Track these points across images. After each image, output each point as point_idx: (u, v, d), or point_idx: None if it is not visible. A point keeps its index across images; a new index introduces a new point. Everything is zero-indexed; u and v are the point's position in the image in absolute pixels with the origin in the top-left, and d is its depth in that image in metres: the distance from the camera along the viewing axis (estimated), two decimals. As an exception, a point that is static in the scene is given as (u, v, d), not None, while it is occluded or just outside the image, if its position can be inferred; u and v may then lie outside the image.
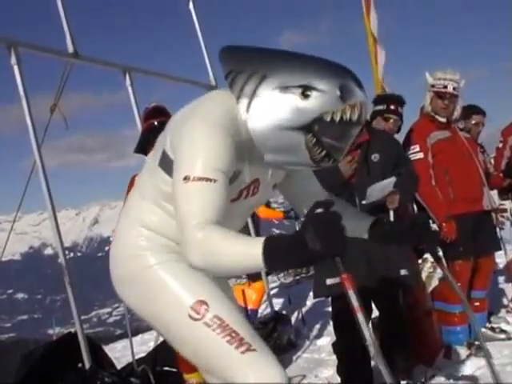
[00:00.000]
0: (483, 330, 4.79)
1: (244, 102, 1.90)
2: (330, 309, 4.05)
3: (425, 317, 4.28)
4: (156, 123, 3.99)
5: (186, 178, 1.81)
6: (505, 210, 5.52)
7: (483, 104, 5.91)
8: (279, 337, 5.19)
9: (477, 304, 4.77)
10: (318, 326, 5.90)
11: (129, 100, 5.36)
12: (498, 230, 5.24)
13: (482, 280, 4.73)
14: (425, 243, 2.50)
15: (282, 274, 9.27)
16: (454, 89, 4.43)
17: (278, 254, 1.70)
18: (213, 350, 1.96)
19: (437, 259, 2.67)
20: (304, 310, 6.63)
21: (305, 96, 1.85)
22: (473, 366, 4.12)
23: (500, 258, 6.22)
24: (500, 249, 5.33)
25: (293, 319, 6.20)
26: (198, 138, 1.86)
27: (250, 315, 5.36)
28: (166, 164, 2.00)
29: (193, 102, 2.07)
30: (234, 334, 1.94)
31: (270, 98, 1.88)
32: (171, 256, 2.07)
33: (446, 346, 4.40)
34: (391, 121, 4.36)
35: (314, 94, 1.84)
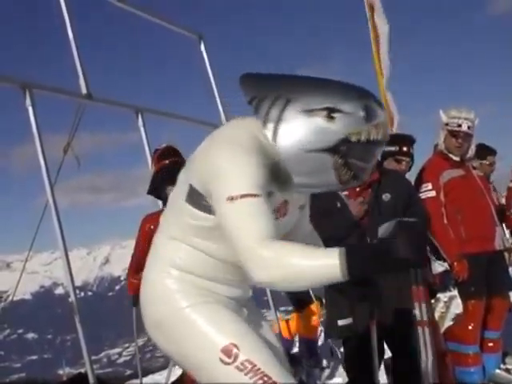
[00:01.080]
0: (498, 371, 4.72)
1: (271, 126, 1.91)
2: (342, 349, 4.00)
3: (439, 357, 4.22)
4: (167, 162, 4.03)
5: (230, 199, 1.80)
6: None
7: (493, 141, 5.93)
8: (291, 378, 5.11)
9: (490, 344, 4.71)
10: (329, 367, 5.82)
11: (140, 140, 5.42)
12: (510, 269, 5.19)
13: (495, 320, 4.68)
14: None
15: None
16: (468, 128, 4.43)
17: (358, 263, 1.69)
18: None
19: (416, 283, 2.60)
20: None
21: (330, 118, 1.87)
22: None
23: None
24: (513, 289, 5.27)
25: (304, 360, 6.12)
26: (228, 159, 1.87)
27: (310, 345, 5.21)
28: (195, 198, 2.00)
29: (212, 133, 2.10)
30: (266, 378, 1.92)
31: (296, 121, 1.89)
32: (202, 297, 2.06)
33: None
34: (403, 163, 4.36)
35: (338, 115, 1.87)
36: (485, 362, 4.61)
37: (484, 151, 5.40)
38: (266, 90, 1.98)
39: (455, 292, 4.28)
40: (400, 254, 1.66)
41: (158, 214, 4.19)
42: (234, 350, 1.95)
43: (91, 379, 3.93)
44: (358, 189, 3.60)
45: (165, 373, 6.19)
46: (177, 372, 5.69)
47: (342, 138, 1.88)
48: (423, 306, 1.85)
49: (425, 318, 1.84)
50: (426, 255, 1.71)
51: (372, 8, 6.93)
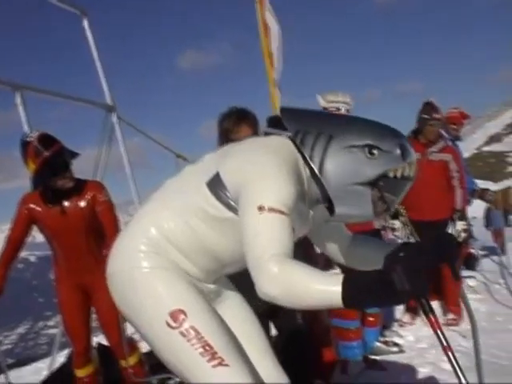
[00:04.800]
0: (377, 344, 4.96)
1: (317, 160, 2.05)
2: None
3: (323, 333, 4.37)
4: (48, 154, 3.81)
5: (260, 208, 1.85)
6: (394, 229, 5.79)
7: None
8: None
9: (371, 319, 4.93)
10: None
11: (20, 119, 5.20)
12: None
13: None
14: (448, 262, 2.52)
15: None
16: (347, 111, 4.56)
17: (358, 293, 1.72)
18: (185, 361, 1.98)
19: (456, 277, 2.66)
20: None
21: (371, 154, 2.03)
22: (368, 379, 4.24)
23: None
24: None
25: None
26: (272, 169, 1.94)
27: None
28: (217, 187, 2.05)
29: (259, 140, 2.23)
30: (207, 347, 1.97)
31: (341, 156, 2.04)
32: (164, 264, 2.07)
33: (342, 360, 4.51)
34: None
35: (378, 152, 2.03)
36: (365, 335, 4.83)
37: None
38: (309, 125, 2.12)
39: (338, 270, 4.42)
40: (398, 286, 1.68)
41: (38, 193, 4.05)
42: (181, 316, 1.99)
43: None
44: None
45: (47, 360, 6.05)
46: (59, 360, 5.58)
47: (381, 173, 2.03)
48: (440, 333, 1.91)
49: (446, 344, 1.91)
50: (427, 284, 1.74)
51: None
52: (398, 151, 2.03)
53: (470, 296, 6.30)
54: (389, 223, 5.83)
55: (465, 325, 5.65)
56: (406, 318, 5.82)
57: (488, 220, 13.39)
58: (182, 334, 1.98)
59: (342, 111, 4.53)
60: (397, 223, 5.88)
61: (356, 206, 2.07)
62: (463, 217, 5.88)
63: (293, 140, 2.11)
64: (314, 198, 2.16)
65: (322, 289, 1.74)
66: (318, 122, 2.15)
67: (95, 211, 4.12)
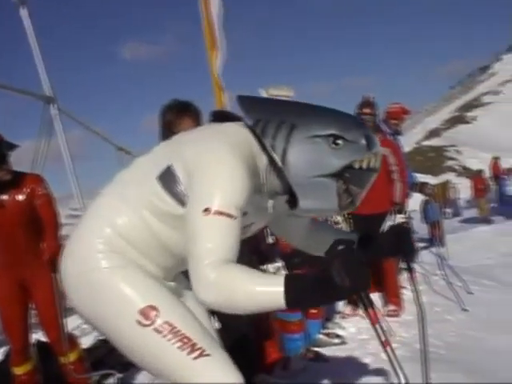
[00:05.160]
0: (319, 335, 5.01)
1: (279, 151, 1.96)
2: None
3: (266, 328, 4.37)
4: None
5: (206, 210, 1.78)
6: (337, 223, 5.89)
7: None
8: (121, 353, 5.07)
9: (313, 311, 4.96)
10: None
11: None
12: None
13: None
14: (402, 254, 2.51)
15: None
16: (270, 98, 4.55)
17: (301, 292, 1.69)
18: (164, 358, 1.90)
19: (410, 270, 2.67)
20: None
21: (336, 144, 1.96)
22: (311, 372, 4.28)
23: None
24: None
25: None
26: (223, 165, 1.85)
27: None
28: (169, 181, 1.96)
29: (213, 127, 2.11)
30: (185, 340, 1.90)
31: (304, 147, 1.96)
32: (123, 262, 1.98)
33: (284, 356, 4.52)
34: None
35: (343, 142, 1.96)
36: (308, 327, 4.87)
37: None
38: (271, 114, 2.02)
39: (280, 263, 4.44)
40: (338, 282, 1.67)
41: None
42: (153, 313, 1.91)
43: None
44: None
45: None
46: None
47: (347, 164, 1.96)
48: (378, 327, 1.90)
49: (384, 338, 1.89)
50: (366, 278, 1.73)
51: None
52: (364, 141, 1.98)
53: (410, 288, 6.43)
54: (331, 217, 5.90)
55: (405, 315, 5.77)
56: (348, 309, 5.90)
57: (425, 213, 13.76)
58: (156, 330, 1.90)
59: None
60: (339, 217, 5.95)
61: (320, 199, 2.00)
62: (402, 210, 5.99)
63: (252, 129, 2.03)
64: (273, 189, 2.09)
65: (264, 291, 1.71)
66: (279, 110, 2.06)
67: (34, 205, 4.02)
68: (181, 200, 1.95)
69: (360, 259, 1.73)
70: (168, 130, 3.34)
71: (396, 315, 5.79)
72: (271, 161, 2.01)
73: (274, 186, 2.08)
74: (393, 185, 5.91)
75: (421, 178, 10.56)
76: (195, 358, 1.88)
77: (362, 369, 4.18)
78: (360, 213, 5.65)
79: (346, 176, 1.99)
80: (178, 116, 3.36)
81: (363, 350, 4.74)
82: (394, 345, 4.54)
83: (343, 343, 5.01)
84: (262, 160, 2.02)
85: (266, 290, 1.71)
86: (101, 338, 5.31)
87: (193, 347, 1.89)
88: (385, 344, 1.90)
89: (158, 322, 1.90)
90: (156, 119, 3.48)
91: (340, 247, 1.77)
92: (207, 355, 1.90)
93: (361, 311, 5.78)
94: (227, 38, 6.84)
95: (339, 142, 1.96)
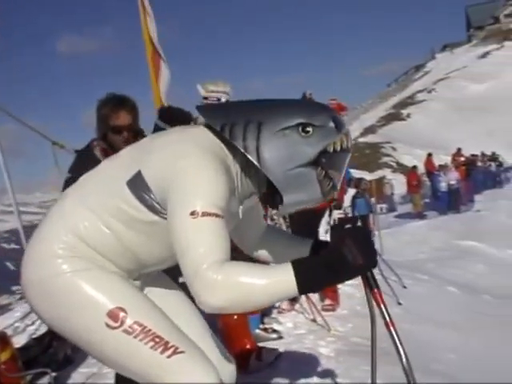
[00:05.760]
0: (257, 331, 5.03)
1: (252, 151, 1.92)
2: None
3: (238, 322, 4.33)
4: None
5: (193, 214, 1.74)
6: (273, 218, 5.92)
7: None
8: (55, 352, 4.98)
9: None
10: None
11: None
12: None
13: None
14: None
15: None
16: (227, 101, 4.57)
17: (312, 276, 1.69)
18: (137, 360, 1.85)
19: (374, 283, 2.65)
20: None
21: (305, 132, 1.94)
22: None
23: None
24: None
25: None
26: (199, 170, 1.82)
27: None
28: (139, 187, 1.91)
29: (178, 132, 2.07)
30: (157, 339, 1.85)
31: (275, 142, 1.93)
32: (86, 265, 1.92)
33: (258, 347, 4.44)
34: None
35: (312, 129, 1.94)
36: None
37: None
38: (234, 117, 1.98)
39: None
40: (351, 260, 1.68)
41: None
42: (121, 314, 1.86)
43: None
44: None
45: None
46: None
47: (321, 149, 1.95)
48: (383, 308, 1.89)
49: (389, 319, 1.89)
50: (376, 255, 1.75)
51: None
52: (332, 124, 1.97)
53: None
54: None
55: (340, 310, 5.87)
56: (285, 304, 5.93)
57: (354, 207, 14.03)
58: (126, 331, 1.85)
59: (223, 101, 4.54)
60: (274, 212, 5.99)
61: (303, 191, 1.97)
62: (339, 205, 6.08)
63: (218, 133, 1.99)
64: (246, 192, 2.07)
65: (274, 282, 1.69)
66: (241, 111, 2.03)
67: None
68: (151, 206, 1.91)
69: (369, 235, 1.76)
70: (104, 124, 3.31)
71: (332, 309, 5.88)
72: (245, 163, 1.98)
73: (246, 189, 2.06)
74: None
75: (357, 174, 10.75)
76: (169, 356, 1.85)
77: (300, 363, 4.22)
78: (297, 209, 5.72)
79: (323, 161, 1.97)
80: (114, 110, 3.32)
81: (300, 344, 4.80)
82: (329, 338, 4.62)
83: (280, 338, 5.03)
84: (233, 164, 2.00)
85: (276, 280, 1.70)
86: (34, 336, 5.21)
87: (166, 345, 1.86)
88: (389, 324, 1.89)
89: (128, 322, 1.86)
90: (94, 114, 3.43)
91: (347, 226, 1.80)
92: (181, 352, 1.87)
93: (297, 306, 5.86)
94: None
95: (308, 129, 1.95)
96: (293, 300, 5.89)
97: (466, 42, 79.86)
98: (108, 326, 1.86)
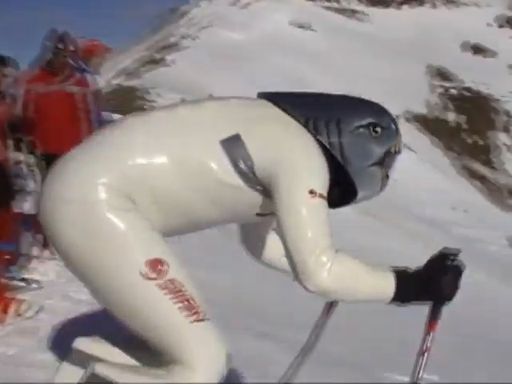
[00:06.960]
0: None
1: (336, 148, 1.96)
2: None
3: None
4: None
5: (312, 192, 1.79)
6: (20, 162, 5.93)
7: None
8: None
9: (7, 257, 4.78)
10: None
11: None
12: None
13: (4, 232, 4.69)
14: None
15: None
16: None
17: (407, 292, 1.82)
18: (161, 316, 1.77)
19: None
20: None
21: (375, 132, 2.01)
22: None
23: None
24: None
25: None
26: (316, 159, 1.88)
27: None
28: (234, 149, 1.86)
29: (272, 112, 2.00)
30: (186, 303, 1.78)
31: (352, 139, 1.98)
32: (140, 211, 1.80)
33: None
34: None
35: (380, 130, 2.02)
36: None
37: None
38: (315, 110, 2.01)
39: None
40: (444, 291, 1.84)
41: None
42: (163, 267, 1.78)
43: None
44: None
45: None
46: None
47: (386, 150, 2.04)
48: (429, 337, 1.95)
49: (425, 347, 1.95)
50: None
51: None
52: (394, 126, 2.07)
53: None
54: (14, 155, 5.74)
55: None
56: (46, 253, 5.68)
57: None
58: (159, 286, 1.76)
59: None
60: (22, 156, 5.96)
61: (371, 188, 2.08)
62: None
63: (306, 127, 1.97)
64: None
65: (375, 282, 1.82)
66: (319, 105, 2.06)
67: None
68: (243, 173, 1.87)
69: (461, 276, 1.88)
70: None
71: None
72: (329, 159, 1.96)
73: None
74: (80, 123, 5.92)
75: (114, 117, 10.57)
76: (194, 321, 1.79)
77: (61, 312, 4.14)
78: (49, 152, 5.54)
79: (386, 161, 2.07)
80: None
81: (62, 293, 4.70)
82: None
83: (41, 288, 4.87)
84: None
85: (378, 282, 1.82)
86: None
87: (193, 310, 1.79)
88: (424, 350, 1.97)
89: (164, 277, 1.77)
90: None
91: (453, 261, 1.88)
92: (205, 320, 1.81)
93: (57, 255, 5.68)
94: None
95: (377, 129, 2.02)
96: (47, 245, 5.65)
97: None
98: (142, 274, 1.76)
